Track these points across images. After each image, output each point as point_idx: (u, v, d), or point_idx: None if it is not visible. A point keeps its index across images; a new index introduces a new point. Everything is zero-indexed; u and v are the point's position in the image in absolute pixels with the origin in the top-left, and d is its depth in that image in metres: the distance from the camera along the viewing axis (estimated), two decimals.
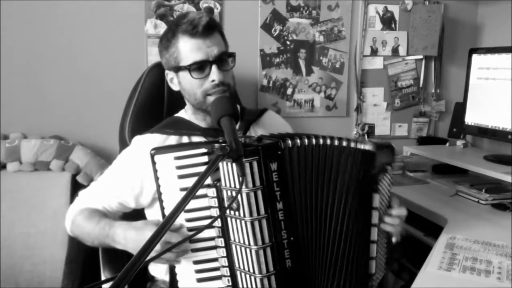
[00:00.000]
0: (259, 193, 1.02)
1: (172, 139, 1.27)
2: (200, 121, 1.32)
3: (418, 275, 1.18)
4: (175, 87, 1.31)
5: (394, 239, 1.25)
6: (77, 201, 1.30)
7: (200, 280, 1.09)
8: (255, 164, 1.01)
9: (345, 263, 1.15)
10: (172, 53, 1.23)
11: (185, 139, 1.29)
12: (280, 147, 1.07)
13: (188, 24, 1.18)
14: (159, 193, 1.09)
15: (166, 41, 1.24)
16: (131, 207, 1.28)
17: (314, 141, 1.11)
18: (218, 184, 1.04)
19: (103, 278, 1.42)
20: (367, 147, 1.15)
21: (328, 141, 1.12)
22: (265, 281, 1.03)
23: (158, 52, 1.30)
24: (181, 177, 1.06)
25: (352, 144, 1.14)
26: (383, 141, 1.25)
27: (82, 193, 1.32)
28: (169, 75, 1.30)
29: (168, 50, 1.24)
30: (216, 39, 1.22)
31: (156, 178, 1.08)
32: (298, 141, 1.10)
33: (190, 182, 1.01)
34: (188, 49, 1.20)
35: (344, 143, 1.13)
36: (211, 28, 1.21)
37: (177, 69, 1.24)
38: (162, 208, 1.09)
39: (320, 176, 1.12)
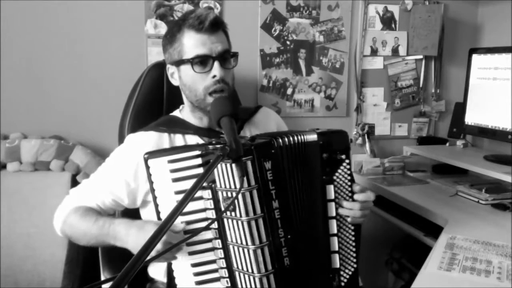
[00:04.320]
0: (255, 192, 1.03)
1: (165, 137, 1.27)
2: (196, 119, 1.31)
3: (418, 275, 1.18)
4: (175, 82, 1.30)
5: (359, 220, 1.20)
6: (68, 200, 1.28)
7: (198, 283, 1.08)
8: (249, 163, 1.02)
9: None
10: (176, 47, 1.22)
11: (178, 137, 1.28)
12: (273, 145, 1.08)
13: (195, 19, 1.18)
14: (154, 197, 1.08)
15: (171, 35, 1.24)
16: (124, 204, 1.26)
17: (299, 138, 1.14)
18: (213, 185, 1.04)
19: (103, 278, 1.42)
20: (309, 137, 1.15)
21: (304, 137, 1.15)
22: (264, 280, 1.04)
23: (162, 47, 1.29)
24: (175, 180, 1.06)
25: (301, 137, 1.15)
26: (334, 129, 1.22)
27: (73, 191, 1.30)
28: (170, 69, 1.29)
29: (173, 44, 1.23)
30: (221, 37, 1.22)
31: (151, 182, 1.08)
32: (286, 139, 1.11)
33: (184, 185, 1.03)
34: (193, 43, 1.19)
35: (307, 137, 1.16)
36: (217, 25, 1.21)
37: (179, 62, 1.23)
38: (158, 212, 1.09)
39: (305, 172, 1.14)
